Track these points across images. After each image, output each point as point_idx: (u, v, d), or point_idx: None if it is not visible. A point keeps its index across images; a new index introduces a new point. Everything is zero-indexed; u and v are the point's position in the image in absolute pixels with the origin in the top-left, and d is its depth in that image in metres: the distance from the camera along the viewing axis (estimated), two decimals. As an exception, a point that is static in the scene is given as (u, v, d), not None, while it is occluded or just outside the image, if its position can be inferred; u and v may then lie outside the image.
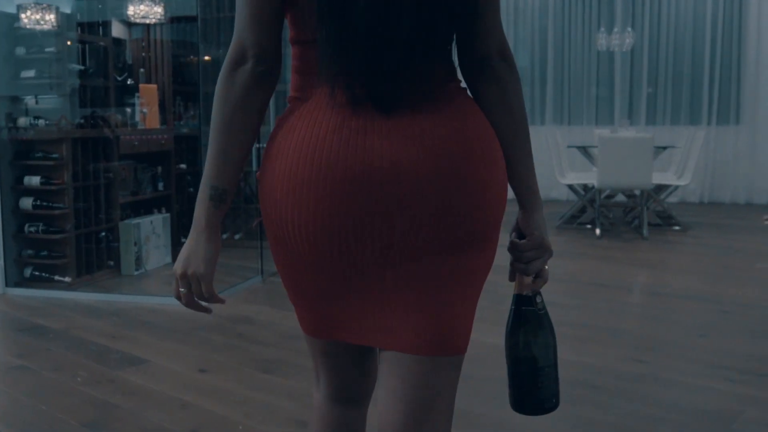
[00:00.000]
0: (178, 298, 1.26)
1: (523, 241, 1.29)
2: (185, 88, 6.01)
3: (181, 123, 6.02)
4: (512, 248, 1.30)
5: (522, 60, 9.79)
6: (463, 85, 1.26)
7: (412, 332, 1.19)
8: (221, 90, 1.18)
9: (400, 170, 1.12)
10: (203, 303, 1.26)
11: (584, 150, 7.37)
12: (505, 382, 1.36)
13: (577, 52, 9.52)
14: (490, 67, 1.23)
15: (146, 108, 5.50)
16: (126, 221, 5.26)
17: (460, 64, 1.26)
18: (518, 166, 1.27)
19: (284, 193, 1.16)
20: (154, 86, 5.62)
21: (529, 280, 1.29)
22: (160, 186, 5.71)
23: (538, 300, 1.30)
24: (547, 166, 9.42)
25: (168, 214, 5.64)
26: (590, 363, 3.28)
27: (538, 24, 9.63)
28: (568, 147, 7.69)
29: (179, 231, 5.78)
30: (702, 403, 2.84)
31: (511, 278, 1.32)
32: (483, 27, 1.22)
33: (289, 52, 1.26)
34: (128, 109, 5.54)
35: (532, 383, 1.29)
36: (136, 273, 5.22)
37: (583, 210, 7.38)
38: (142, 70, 5.85)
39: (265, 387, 3.06)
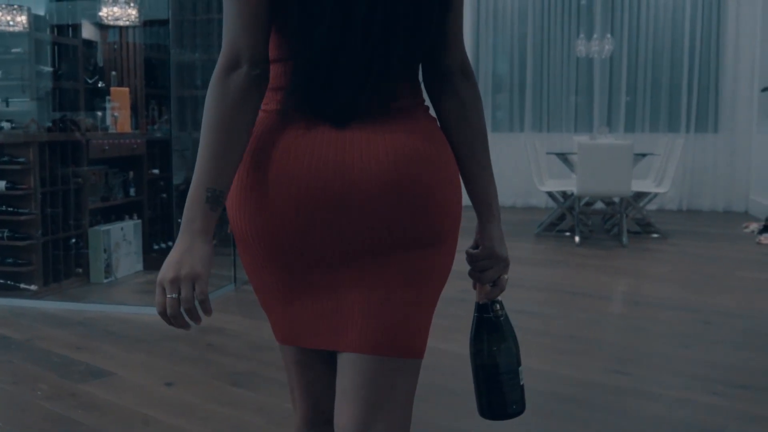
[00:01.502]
0: (163, 308, 1.15)
1: (475, 251, 1.34)
2: (160, 92, 5.87)
3: (155, 127, 5.89)
4: (468, 258, 1.35)
5: (501, 67, 9.75)
6: (427, 102, 1.30)
7: (359, 332, 1.22)
8: (215, 94, 1.17)
9: (352, 181, 1.16)
10: (187, 317, 1.16)
11: (563, 157, 7.30)
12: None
13: (556, 59, 9.47)
14: (451, 83, 1.28)
15: (117, 112, 5.37)
16: (95, 228, 5.12)
17: (423, 79, 1.30)
18: (475, 179, 1.32)
19: (239, 195, 1.22)
20: (125, 89, 5.49)
21: (486, 288, 1.33)
22: (132, 192, 5.57)
23: (497, 307, 1.34)
24: (525, 173, 9.38)
25: (139, 221, 5.49)
26: (570, 375, 3.19)
27: (517, 31, 9.58)
28: (548, 154, 7.63)
29: (151, 238, 5.64)
30: (686, 417, 2.76)
31: (475, 286, 1.37)
32: (445, 44, 1.26)
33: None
34: (99, 113, 5.40)
35: (494, 389, 1.34)
36: (105, 281, 5.08)
37: (562, 217, 7.32)
38: (114, 73, 5.72)
39: (234, 401, 2.94)
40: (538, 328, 3.93)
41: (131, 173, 5.55)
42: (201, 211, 1.16)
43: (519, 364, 1.36)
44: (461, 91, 1.28)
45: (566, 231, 7.09)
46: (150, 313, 4.27)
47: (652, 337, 3.83)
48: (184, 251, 1.15)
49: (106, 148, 5.25)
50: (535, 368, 3.28)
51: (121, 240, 5.24)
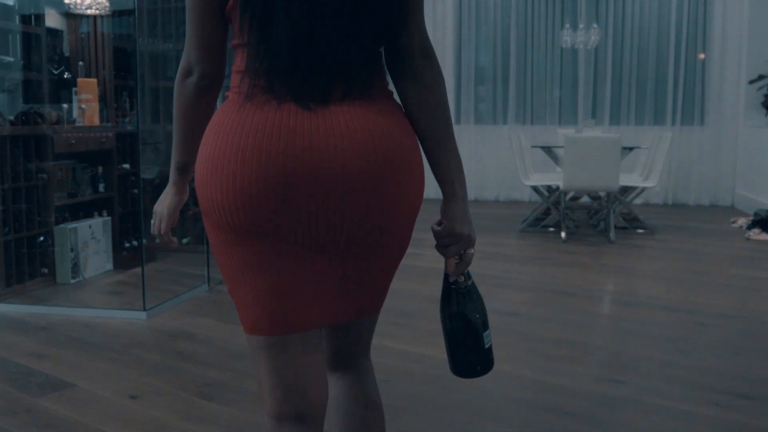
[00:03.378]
0: (152, 227, 1.60)
1: (438, 228, 1.42)
2: (132, 83, 5.62)
3: (126, 120, 5.63)
4: (433, 234, 1.43)
5: (483, 58, 9.56)
6: (391, 87, 1.38)
7: (342, 305, 1.38)
8: (176, 93, 1.40)
9: (321, 162, 1.23)
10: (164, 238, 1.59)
11: (549, 150, 7.13)
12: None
13: (539, 50, 9.30)
14: (412, 64, 1.34)
15: (85, 104, 5.12)
16: (61, 225, 4.87)
17: (386, 61, 1.36)
18: (436, 159, 1.39)
19: (207, 169, 1.29)
20: (93, 80, 5.23)
21: (452, 262, 1.43)
22: (101, 187, 5.32)
23: (462, 279, 1.45)
24: (508, 167, 9.25)
25: (109, 218, 5.25)
26: (560, 384, 3.00)
27: (500, 21, 9.38)
28: (533, 147, 7.46)
29: (121, 235, 5.40)
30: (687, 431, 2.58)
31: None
32: (405, 27, 1.32)
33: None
34: (65, 105, 5.14)
35: (460, 351, 1.46)
36: (72, 281, 4.84)
37: (546, 212, 7.15)
38: (81, 63, 5.46)
39: (203, 416, 2.72)
40: (525, 331, 3.75)
41: (100, 168, 5.30)
42: (174, 175, 1.53)
43: (485, 328, 1.46)
44: (421, 71, 1.34)
45: (551, 227, 6.92)
46: (117, 316, 4.05)
47: (645, 340, 3.65)
48: (162, 197, 1.58)
49: (72, 141, 5.00)
50: (523, 376, 3.09)
51: (89, 238, 5.00)
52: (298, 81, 1.25)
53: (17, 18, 5.29)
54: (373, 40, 1.29)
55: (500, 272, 5.19)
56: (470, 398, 2.85)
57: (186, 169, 1.50)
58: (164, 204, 1.57)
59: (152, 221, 1.59)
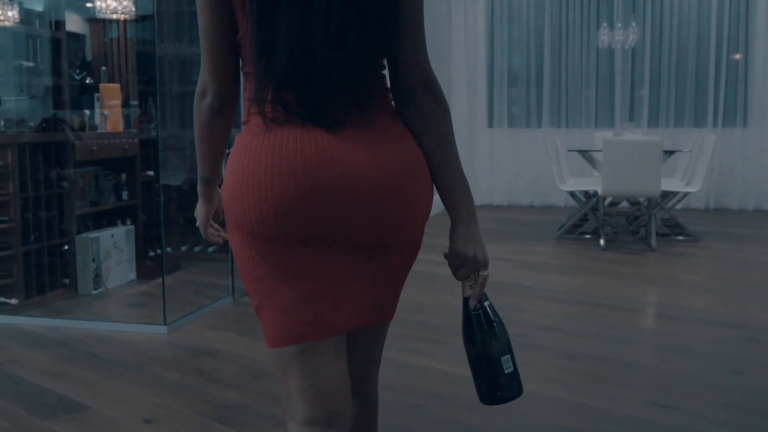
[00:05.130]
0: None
1: (445, 251, 1.46)
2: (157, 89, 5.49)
3: (152, 126, 5.50)
4: (445, 257, 1.48)
5: (516, 60, 9.31)
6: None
7: (362, 314, 1.43)
8: (195, 112, 1.47)
9: (349, 175, 1.31)
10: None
11: (585, 154, 6.87)
12: None
13: (574, 51, 9.03)
14: (413, 98, 1.39)
15: (108, 109, 4.99)
16: (83, 234, 4.74)
17: (391, 92, 1.42)
18: (440, 183, 1.44)
19: (242, 185, 1.34)
20: (116, 85, 5.10)
21: (465, 285, 1.45)
22: (125, 195, 5.19)
23: (473, 303, 1.45)
24: (543, 171, 8.98)
25: (132, 227, 5.11)
26: (604, 409, 2.78)
27: (534, 22, 9.13)
28: (569, 151, 7.21)
29: (146, 244, 5.27)
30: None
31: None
32: (403, 61, 1.37)
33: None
34: (87, 111, 5.01)
35: (482, 376, 1.45)
36: (94, 292, 4.71)
37: (584, 219, 6.89)
38: (104, 68, 5.33)
39: (221, 444, 2.54)
40: (564, 348, 3.52)
41: (123, 175, 5.16)
42: (200, 186, 1.64)
43: (504, 353, 1.44)
44: (422, 106, 1.39)
45: (589, 233, 6.66)
46: (137, 330, 3.89)
47: (694, 359, 3.40)
48: (197, 206, 1.69)
49: (95, 148, 4.87)
50: (561, 399, 2.87)
51: (111, 247, 4.86)
52: (310, 107, 1.32)
53: (37, 23, 5.18)
54: (373, 64, 1.37)
55: (535, 282, 4.95)
56: (505, 424, 2.64)
57: (210, 182, 1.62)
58: (199, 213, 1.70)
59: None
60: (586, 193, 6.80)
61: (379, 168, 1.32)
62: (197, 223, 1.72)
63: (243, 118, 1.40)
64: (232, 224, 1.38)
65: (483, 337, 1.43)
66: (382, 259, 1.40)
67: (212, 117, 1.44)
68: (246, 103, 1.39)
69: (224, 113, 1.45)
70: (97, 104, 4.97)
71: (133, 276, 5.06)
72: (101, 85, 5.04)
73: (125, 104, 5.15)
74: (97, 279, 4.76)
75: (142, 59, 5.48)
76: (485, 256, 1.44)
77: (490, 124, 9.38)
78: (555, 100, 9.18)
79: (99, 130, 4.92)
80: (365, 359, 1.56)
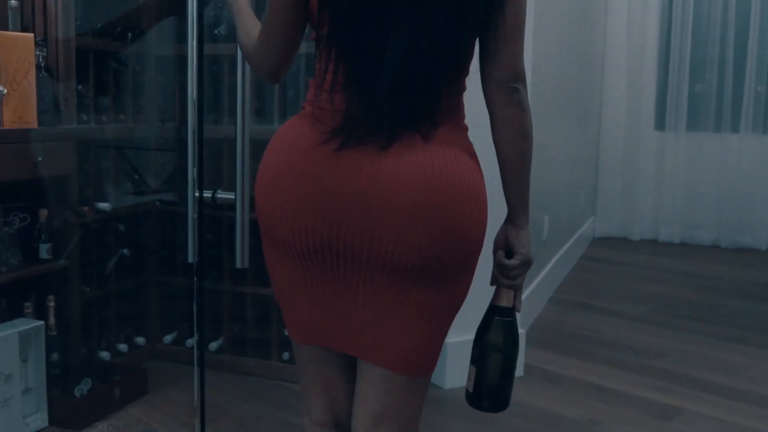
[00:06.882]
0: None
1: (511, 261, 1.39)
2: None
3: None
4: (499, 266, 1.41)
5: (703, 47, 6.38)
6: (465, 122, 1.36)
7: (382, 348, 1.33)
8: (243, 52, 1.51)
9: (382, 195, 1.23)
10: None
11: None
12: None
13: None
14: (502, 92, 1.31)
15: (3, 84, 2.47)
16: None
17: (481, 84, 1.34)
18: (515, 186, 1.38)
19: (270, 182, 1.32)
20: (26, 35, 2.58)
21: (511, 293, 1.41)
22: (43, 251, 2.67)
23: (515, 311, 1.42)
24: (739, 194, 6.19)
25: (42, 323, 2.59)
26: None
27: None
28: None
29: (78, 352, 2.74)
30: None
31: (494, 282, 1.44)
32: (497, 55, 1.30)
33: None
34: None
35: (497, 384, 1.41)
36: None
37: None
38: None
39: None
40: None
41: (43, 212, 2.64)
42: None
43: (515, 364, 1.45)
44: (515, 100, 1.32)
45: None
46: None
47: None
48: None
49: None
50: None
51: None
52: (368, 122, 1.25)
53: None
54: (449, 86, 1.31)
55: None
56: None
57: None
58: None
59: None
60: None
61: (424, 190, 1.24)
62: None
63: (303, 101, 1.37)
64: (257, 212, 1.37)
65: (515, 342, 1.42)
66: (409, 290, 1.28)
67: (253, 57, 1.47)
68: (310, 90, 1.35)
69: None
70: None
71: (40, 423, 2.53)
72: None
73: (46, 70, 2.63)
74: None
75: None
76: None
77: (661, 127, 6.55)
78: (761, 97, 6.27)
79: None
80: (377, 407, 1.37)
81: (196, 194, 2.01)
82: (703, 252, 6.15)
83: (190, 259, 2.11)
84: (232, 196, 2.02)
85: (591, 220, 6.45)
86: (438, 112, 1.28)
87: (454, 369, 2.92)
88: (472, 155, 1.33)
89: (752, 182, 6.18)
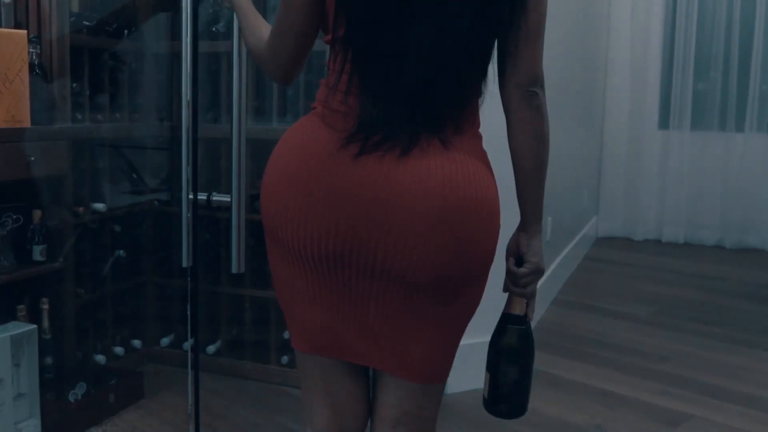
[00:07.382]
0: None
1: (522, 269, 1.37)
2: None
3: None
4: (510, 274, 1.39)
5: (708, 43, 6.32)
6: (480, 131, 1.33)
7: (395, 358, 1.31)
8: (253, 52, 1.48)
9: (401, 204, 1.20)
10: None
11: None
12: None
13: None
14: (520, 95, 1.28)
15: None
16: None
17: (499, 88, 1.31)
18: (529, 193, 1.35)
19: (279, 182, 1.27)
20: (19, 32, 2.52)
21: (523, 301, 1.39)
22: (36, 253, 2.61)
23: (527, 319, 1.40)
24: (744, 194, 6.12)
25: (35, 326, 2.54)
26: None
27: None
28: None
29: (73, 357, 2.68)
30: None
31: (506, 290, 1.42)
32: (517, 58, 1.26)
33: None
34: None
35: (508, 391, 1.42)
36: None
37: None
38: None
39: None
40: None
41: (37, 213, 2.59)
42: None
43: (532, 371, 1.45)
44: (533, 105, 1.29)
45: None
46: None
47: None
48: None
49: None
50: None
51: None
52: (386, 126, 1.22)
53: None
54: (469, 90, 1.28)
55: None
56: None
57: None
58: None
59: None
60: None
61: (442, 203, 1.21)
62: None
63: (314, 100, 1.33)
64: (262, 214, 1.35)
65: (526, 351, 1.40)
66: (405, 297, 1.26)
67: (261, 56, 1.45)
68: (321, 90, 1.32)
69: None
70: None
71: (33, 429, 2.47)
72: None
73: (39, 68, 2.58)
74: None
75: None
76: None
77: (665, 125, 6.49)
78: (765, 95, 6.20)
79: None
80: (396, 413, 1.39)
81: (191, 196, 1.95)
82: (707, 252, 6.09)
83: (185, 264, 2.05)
84: (228, 199, 1.96)
85: (594, 220, 6.39)
86: (462, 117, 1.27)
87: (457, 374, 2.85)
88: (488, 165, 1.31)
89: (757, 182, 6.11)
